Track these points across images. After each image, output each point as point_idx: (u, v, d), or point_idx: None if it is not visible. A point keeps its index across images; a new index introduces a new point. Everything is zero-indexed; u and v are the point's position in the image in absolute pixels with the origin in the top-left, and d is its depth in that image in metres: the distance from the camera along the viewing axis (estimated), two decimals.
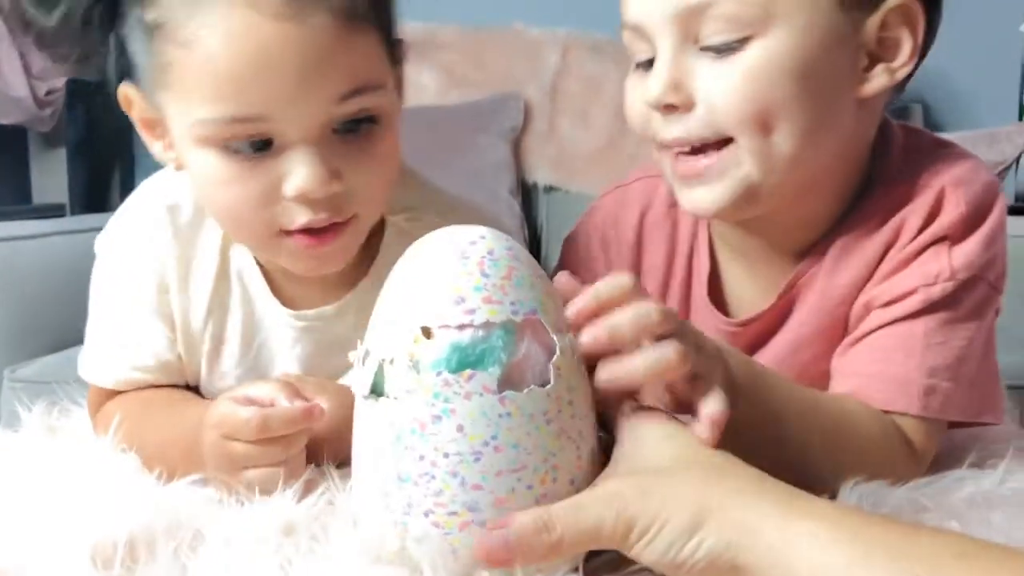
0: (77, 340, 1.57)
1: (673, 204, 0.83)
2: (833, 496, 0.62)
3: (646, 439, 0.53)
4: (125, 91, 0.72)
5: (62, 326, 1.69)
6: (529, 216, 2.05)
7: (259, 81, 0.63)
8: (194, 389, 0.83)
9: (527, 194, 2.07)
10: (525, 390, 0.50)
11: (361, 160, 0.68)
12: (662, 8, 0.70)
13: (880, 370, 0.72)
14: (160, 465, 0.69)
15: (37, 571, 0.52)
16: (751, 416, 0.59)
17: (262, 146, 0.66)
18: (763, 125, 0.69)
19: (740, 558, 0.46)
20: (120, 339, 0.79)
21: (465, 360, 0.49)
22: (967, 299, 0.72)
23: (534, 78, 2.10)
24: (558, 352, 0.51)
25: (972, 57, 2.14)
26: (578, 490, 0.51)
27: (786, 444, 0.63)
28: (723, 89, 0.69)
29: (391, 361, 0.51)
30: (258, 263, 0.79)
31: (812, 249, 0.77)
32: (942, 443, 0.73)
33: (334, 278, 0.78)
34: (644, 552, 0.48)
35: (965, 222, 0.72)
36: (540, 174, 2.06)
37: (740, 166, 0.70)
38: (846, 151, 0.74)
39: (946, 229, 0.72)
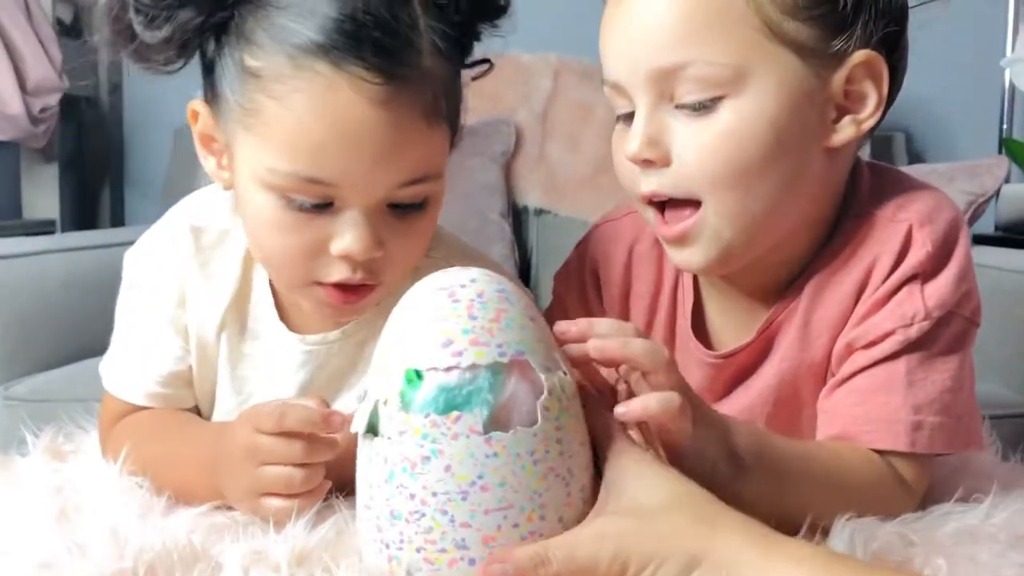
0: (71, 357, 1.60)
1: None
2: (826, 532, 0.64)
3: (637, 477, 0.55)
4: (195, 107, 0.76)
5: (54, 344, 1.70)
6: (520, 239, 2.07)
7: (341, 154, 0.67)
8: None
9: (518, 217, 2.09)
10: (511, 431, 0.51)
11: (404, 234, 0.73)
12: (638, 69, 0.73)
13: (866, 411, 0.74)
14: (173, 487, 0.72)
15: None
16: (760, 486, 0.64)
17: (322, 206, 0.70)
18: (735, 185, 0.72)
19: None
20: (146, 353, 0.82)
21: (452, 402, 0.52)
22: (945, 335, 0.75)
23: (526, 103, 2.13)
24: (545, 392, 0.53)
25: (954, 88, 2.19)
26: (567, 528, 0.53)
27: (786, 497, 0.66)
28: (697, 149, 0.72)
29: (385, 402, 0.54)
30: (272, 289, 0.82)
31: (790, 286, 0.80)
32: (931, 476, 0.76)
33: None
34: None
35: (932, 260, 0.74)
36: (531, 197, 2.08)
37: (715, 228, 0.74)
38: (819, 196, 0.77)
39: (915, 268, 0.74)
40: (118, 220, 2.70)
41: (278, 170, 0.68)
